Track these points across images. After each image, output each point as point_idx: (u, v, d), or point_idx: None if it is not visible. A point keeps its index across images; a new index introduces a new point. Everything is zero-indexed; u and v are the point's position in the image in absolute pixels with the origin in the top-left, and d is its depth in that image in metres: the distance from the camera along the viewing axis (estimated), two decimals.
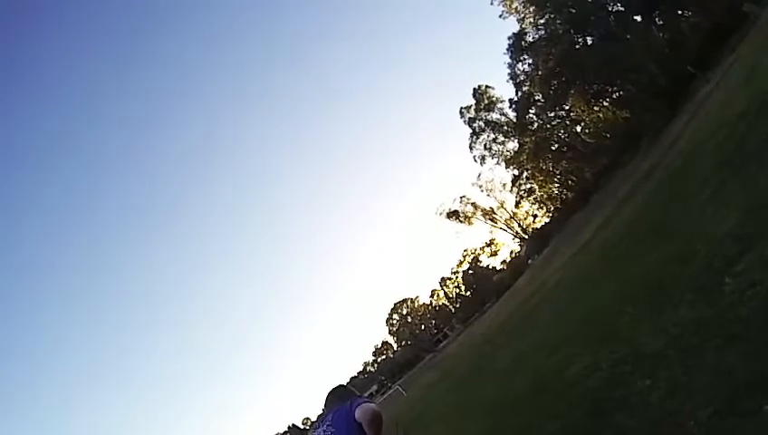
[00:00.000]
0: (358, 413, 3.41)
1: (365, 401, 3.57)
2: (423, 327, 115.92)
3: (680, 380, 4.40)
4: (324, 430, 3.47)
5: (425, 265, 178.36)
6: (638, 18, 46.48)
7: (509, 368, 12.69)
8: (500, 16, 56.44)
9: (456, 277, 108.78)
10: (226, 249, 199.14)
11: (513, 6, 55.12)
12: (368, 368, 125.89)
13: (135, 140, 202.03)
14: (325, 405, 3.96)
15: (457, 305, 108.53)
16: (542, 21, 52.67)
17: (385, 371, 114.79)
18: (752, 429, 3.14)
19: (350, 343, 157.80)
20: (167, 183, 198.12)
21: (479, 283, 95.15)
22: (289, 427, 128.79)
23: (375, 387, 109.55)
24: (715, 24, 35.81)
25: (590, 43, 49.70)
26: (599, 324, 8.53)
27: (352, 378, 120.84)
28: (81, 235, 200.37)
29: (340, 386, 4.11)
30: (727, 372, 3.80)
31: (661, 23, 46.95)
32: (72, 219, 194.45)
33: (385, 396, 67.50)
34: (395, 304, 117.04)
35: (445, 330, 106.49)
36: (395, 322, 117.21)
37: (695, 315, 5.29)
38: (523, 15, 55.04)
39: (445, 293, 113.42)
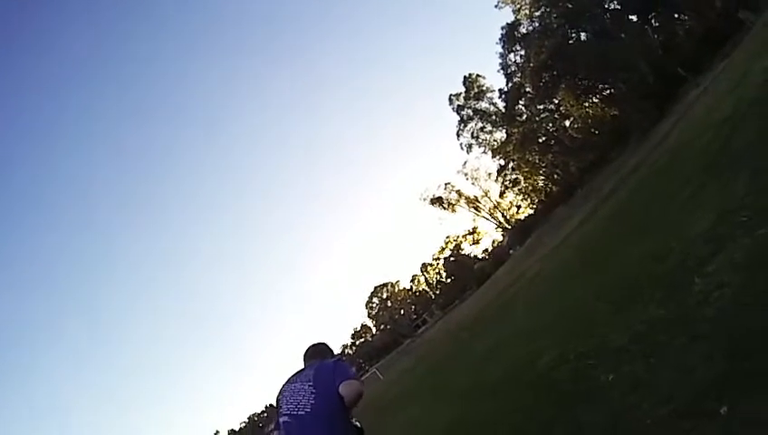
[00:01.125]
0: (343, 389, 3.42)
1: (350, 376, 3.55)
2: (402, 312, 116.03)
3: (642, 376, 4.44)
4: (305, 390, 3.49)
5: (407, 250, 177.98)
6: (634, 18, 46.43)
7: (483, 356, 12.80)
8: (496, 6, 56.06)
9: (438, 264, 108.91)
10: (208, 231, 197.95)
11: None
12: (346, 350, 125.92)
13: None
14: (305, 359, 3.99)
15: (437, 292, 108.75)
16: (537, 13, 52.46)
17: (363, 354, 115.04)
18: (709, 430, 3.16)
19: (328, 325, 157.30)
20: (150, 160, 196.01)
21: (460, 271, 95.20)
22: (266, 407, 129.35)
23: (353, 369, 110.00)
24: (709, 30, 35.90)
25: (583, 38, 49.58)
26: (571, 317, 8.64)
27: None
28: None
29: (322, 343, 4.14)
30: (689, 371, 3.84)
31: (657, 24, 46.89)
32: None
33: (362, 379, 67.72)
34: (375, 288, 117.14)
35: (424, 316, 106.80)
36: (374, 305, 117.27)
37: (662, 313, 5.36)
38: (518, 6, 54.75)
39: (425, 279, 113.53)
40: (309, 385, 3.50)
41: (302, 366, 3.92)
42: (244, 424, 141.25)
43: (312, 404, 3.41)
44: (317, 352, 4.02)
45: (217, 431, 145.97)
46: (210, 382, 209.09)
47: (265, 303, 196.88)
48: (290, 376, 3.78)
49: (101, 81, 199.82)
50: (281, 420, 3.53)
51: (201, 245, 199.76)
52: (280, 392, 3.68)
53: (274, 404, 3.81)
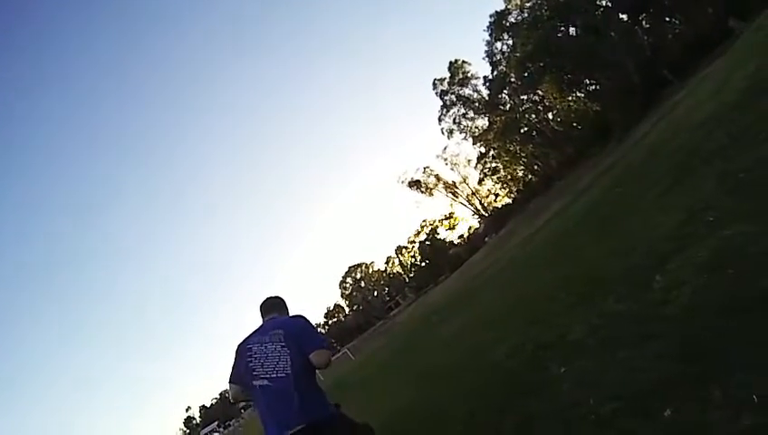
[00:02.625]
0: (315, 358, 3.52)
1: (322, 345, 3.62)
2: (376, 293, 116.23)
3: (592, 372, 4.42)
4: (279, 351, 3.52)
5: (382, 231, 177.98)
6: (625, 17, 46.53)
7: (447, 341, 12.93)
8: None
9: (413, 247, 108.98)
10: (185, 207, 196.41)
11: None
12: (319, 330, 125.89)
13: None
14: (263, 312, 4.04)
15: (412, 275, 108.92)
16: (528, 4, 52.42)
17: (336, 333, 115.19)
18: (651, 431, 3.12)
19: (302, 303, 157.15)
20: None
21: (435, 255, 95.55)
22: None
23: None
24: (699, 35, 36.20)
25: (572, 33, 49.65)
26: (534, 307, 8.67)
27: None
28: None
29: (279, 297, 4.18)
30: (638, 370, 3.79)
31: (647, 26, 47.07)
32: None
33: (334, 358, 67.98)
34: (350, 268, 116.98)
35: (397, 298, 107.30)
36: (348, 285, 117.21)
37: (620, 309, 5.35)
38: None
39: (400, 261, 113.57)
40: (281, 346, 3.53)
41: (261, 319, 4.00)
42: (215, 400, 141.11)
43: (290, 366, 3.45)
44: (275, 306, 4.07)
45: (189, 407, 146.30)
46: (181, 359, 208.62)
47: (238, 279, 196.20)
48: (251, 334, 3.77)
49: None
50: (257, 383, 3.49)
51: (177, 222, 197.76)
52: (246, 353, 3.63)
53: (236, 364, 3.75)
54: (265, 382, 3.46)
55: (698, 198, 6.71)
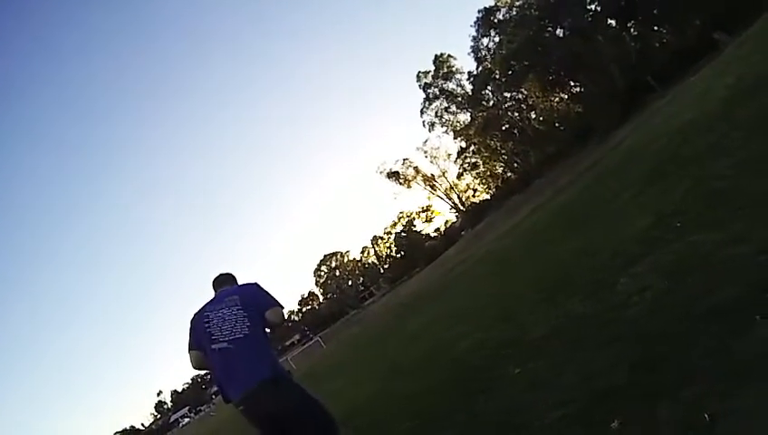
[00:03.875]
0: (271, 315, 3.72)
1: (276, 302, 3.81)
2: (350, 283, 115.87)
3: (546, 375, 4.37)
4: (235, 314, 3.64)
5: (359, 221, 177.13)
6: (613, 22, 46.75)
7: (414, 334, 13.06)
8: None
9: (389, 238, 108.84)
10: (161, 194, 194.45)
11: None
12: (292, 317, 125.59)
13: None
14: (215, 286, 4.12)
15: (387, 266, 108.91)
16: (518, 2, 52.42)
17: (309, 321, 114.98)
18: None
19: (275, 289, 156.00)
20: None
21: (411, 247, 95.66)
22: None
23: (297, 336, 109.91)
24: (685, 46, 36.53)
25: (559, 34, 49.77)
26: (501, 304, 8.71)
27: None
28: None
29: (229, 273, 4.26)
30: (591, 376, 3.73)
31: (635, 33, 47.35)
32: None
33: (305, 346, 68.25)
34: (325, 256, 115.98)
35: (371, 288, 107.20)
36: (323, 274, 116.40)
37: (582, 310, 5.33)
38: None
39: (375, 252, 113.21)
40: (238, 309, 3.66)
41: (214, 293, 4.06)
42: (187, 385, 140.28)
43: (247, 326, 3.60)
44: (228, 279, 4.18)
45: (160, 392, 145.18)
46: (152, 343, 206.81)
47: (213, 263, 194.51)
48: (205, 304, 3.87)
49: None
50: (216, 347, 3.58)
51: (150, 204, 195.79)
52: (203, 320, 3.73)
53: (194, 331, 3.83)
54: (224, 345, 3.56)
55: (669, 203, 6.70)
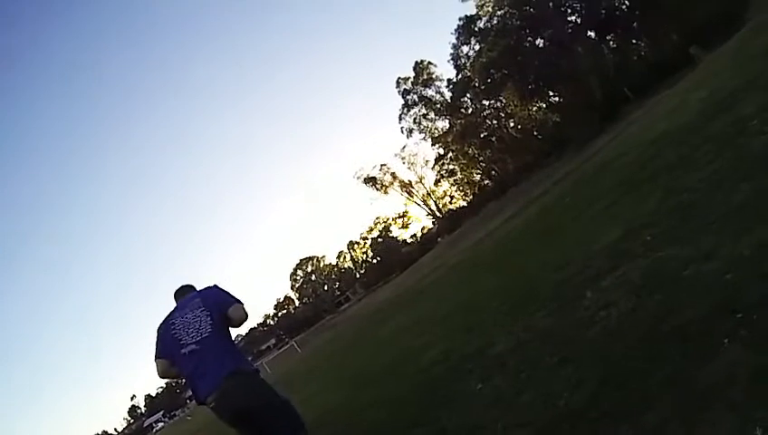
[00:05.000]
0: (233, 312, 3.81)
1: (237, 300, 3.91)
2: (326, 287, 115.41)
3: (508, 392, 4.28)
4: (199, 316, 3.73)
5: (335, 225, 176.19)
6: (592, 34, 47.22)
7: (384, 341, 13.24)
8: None
9: (365, 244, 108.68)
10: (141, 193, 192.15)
11: None
12: (268, 321, 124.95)
13: None
14: (177, 296, 4.16)
15: (363, 271, 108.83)
16: (499, 12, 52.53)
17: (284, 326, 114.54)
18: None
19: (251, 293, 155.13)
20: None
21: (387, 252, 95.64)
22: None
23: (273, 340, 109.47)
24: (662, 59, 36.99)
25: (539, 44, 50.10)
26: (468, 314, 8.74)
27: (251, 329, 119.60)
28: None
29: (190, 284, 4.29)
30: (553, 395, 3.64)
31: (614, 46, 47.95)
32: None
33: (281, 350, 68.00)
34: (301, 260, 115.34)
35: (347, 293, 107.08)
36: (299, 278, 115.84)
37: (546, 325, 5.26)
38: (482, 3, 54.60)
39: (352, 256, 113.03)
40: (201, 310, 3.76)
41: (176, 304, 4.10)
42: (161, 389, 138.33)
43: (210, 324, 3.70)
44: (188, 289, 4.22)
45: (133, 396, 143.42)
46: (126, 347, 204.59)
47: (188, 265, 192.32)
48: (169, 313, 3.95)
49: None
50: (185, 350, 3.65)
51: (128, 206, 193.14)
52: (170, 328, 3.81)
53: (161, 340, 3.90)
54: (193, 347, 3.65)
55: (639, 215, 6.64)
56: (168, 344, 3.77)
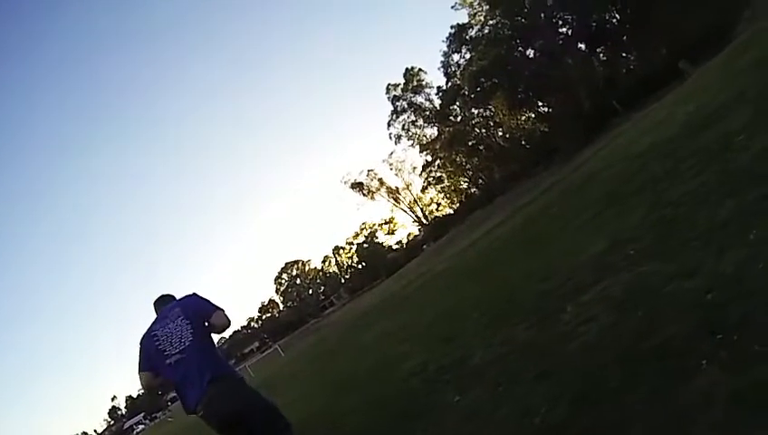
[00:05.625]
0: (215, 319, 3.79)
1: (218, 307, 3.88)
2: (311, 292, 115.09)
3: (484, 406, 4.25)
4: (180, 325, 3.70)
5: (321, 230, 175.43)
6: (583, 46, 47.51)
7: (366, 347, 13.31)
8: (452, 7, 55.66)
9: (351, 249, 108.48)
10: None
11: (469, 1, 54.61)
12: (252, 324, 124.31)
13: None
14: (158, 306, 4.10)
15: (348, 276, 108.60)
16: (491, 21, 52.69)
17: (268, 329, 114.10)
18: None
19: (236, 296, 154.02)
20: None
21: (372, 258, 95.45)
22: None
23: (256, 344, 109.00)
24: (651, 74, 37.19)
25: (529, 54, 50.34)
26: (448, 323, 8.77)
27: (235, 332, 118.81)
28: None
29: (169, 294, 4.24)
30: (531, 411, 3.60)
31: (604, 59, 48.29)
32: None
33: (264, 354, 67.75)
34: (286, 264, 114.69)
35: (332, 298, 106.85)
36: (284, 281, 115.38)
37: (527, 337, 5.23)
38: (475, 12, 54.77)
39: (337, 261, 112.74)
40: (181, 319, 3.73)
41: (156, 314, 4.05)
42: (142, 391, 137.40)
43: (191, 333, 3.67)
44: (167, 298, 4.18)
45: (114, 397, 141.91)
46: (107, 347, 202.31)
47: (174, 268, 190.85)
48: (150, 326, 3.90)
49: None
50: (171, 360, 3.63)
51: (111, 205, 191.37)
52: (153, 339, 3.75)
53: (144, 352, 3.85)
54: (177, 356, 3.62)
55: (623, 228, 6.63)
56: (153, 356, 3.74)
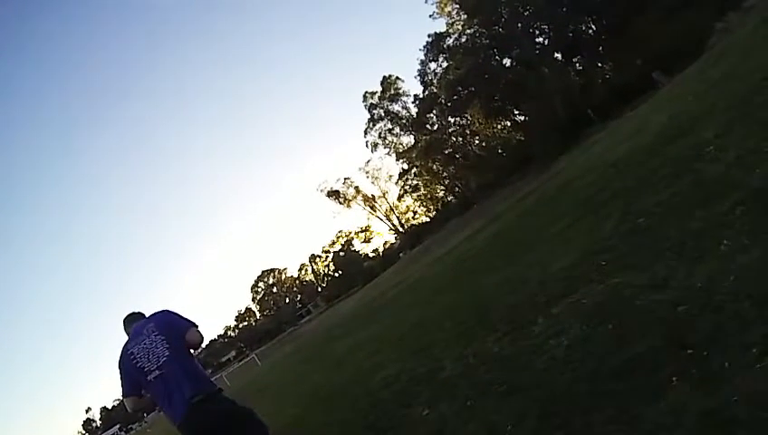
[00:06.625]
0: (190, 336, 3.79)
1: (192, 324, 3.89)
2: (287, 300, 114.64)
3: (452, 421, 4.19)
4: (155, 341, 3.67)
5: (297, 238, 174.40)
6: (559, 56, 47.90)
7: (340, 358, 13.30)
8: (430, 16, 55.65)
9: (327, 257, 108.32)
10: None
11: (447, 10, 54.97)
12: (228, 332, 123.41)
13: None
14: (128, 324, 4.06)
15: (324, 284, 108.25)
16: (469, 30, 52.89)
17: (245, 338, 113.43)
18: None
19: (212, 304, 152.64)
20: None
21: (349, 266, 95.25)
22: None
23: (233, 353, 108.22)
24: (625, 83, 37.62)
25: (506, 63, 50.63)
26: (421, 334, 8.74)
27: (212, 341, 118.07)
28: None
29: (139, 312, 4.22)
30: (496, 427, 3.56)
31: (580, 68, 48.71)
32: None
33: (241, 363, 67.43)
34: (263, 272, 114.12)
35: (309, 306, 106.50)
36: (260, 290, 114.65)
37: (496, 350, 5.17)
38: (453, 21, 54.92)
39: (313, 269, 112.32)
40: (156, 335, 3.70)
41: (127, 331, 4.03)
42: (117, 401, 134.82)
43: (168, 348, 3.64)
44: (137, 316, 4.14)
45: (89, 408, 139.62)
46: (81, 357, 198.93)
47: (147, 275, 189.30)
48: (125, 345, 3.84)
49: None
50: (151, 377, 3.61)
51: (87, 213, 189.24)
52: (130, 358, 3.71)
53: (125, 374, 3.80)
54: (157, 372, 3.59)
55: (596, 239, 6.63)
56: (134, 377, 3.73)
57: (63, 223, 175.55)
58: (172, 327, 3.81)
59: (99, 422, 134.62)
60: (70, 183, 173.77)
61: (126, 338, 4.02)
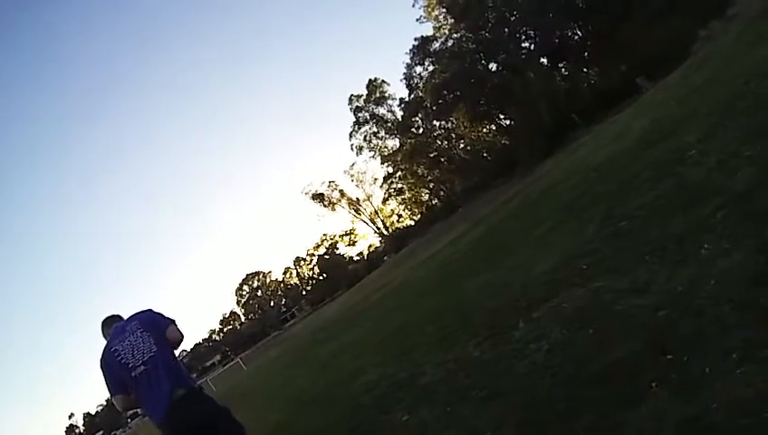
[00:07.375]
0: (171, 335, 3.82)
1: (172, 322, 3.94)
2: (272, 303, 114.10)
3: (432, 426, 4.20)
4: (140, 337, 3.69)
5: (282, 241, 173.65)
6: (545, 61, 48.15)
7: (324, 362, 13.33)
8: (417, 20, 55.72)
9: (312, 260, 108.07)
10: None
11: (434, 15, 55.09)
12: (213, 336, 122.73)
13: None
14: (106, 326, 4.05)
15: (309, 288, 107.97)
16: (455, 35, 53.01)
17: (230, 342, 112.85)
18: None
19: (196, 308, 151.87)
20: None
21: (333, 270, 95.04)
22: None
23: (218, 357, 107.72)
24: (609, 88, 37.98)
25: (492, 68, 50.78)
26: (402, 338, 8.77)
27: (197, 345, 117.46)
28: None
29: (117, 314, 4.22)
30: (473, 434, 3.53)
31: (566, 73, 48.96)
32: None
33: (226, 367, 67.13)
34: (247, 275, 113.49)
35: (293, 310, 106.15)
36: (245, 293, 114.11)
37: (476, 355, 5.15)
38: (440, 25, 55.03)
39: (298, 273, 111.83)
40: (141, 332, 3.72)
41: (104, 333, 4.03)
42: (101, 407, 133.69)
43: (154, 344, 3.67)
44: (116, 318, 4.14)
45: (72, 414, 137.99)
46: (64, 362, 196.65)
47: (132, 276, 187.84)
48: (108, 344, 3.84)
49: None
50: (135, 373, 3.60)
51: (67, 216, 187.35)
52: (114, 355, 3.69)
53: (110, 371, 3.76)
54: (142, 368, 3.59)
55: (578, 242, 6.63)
56: (118, 373, 3.69)
57: (54, 217, 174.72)
58: (156, 325, 3.83)
59: (82, 428, 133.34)
60: (55, 179, 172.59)
61: (105, 342, 3.96)
